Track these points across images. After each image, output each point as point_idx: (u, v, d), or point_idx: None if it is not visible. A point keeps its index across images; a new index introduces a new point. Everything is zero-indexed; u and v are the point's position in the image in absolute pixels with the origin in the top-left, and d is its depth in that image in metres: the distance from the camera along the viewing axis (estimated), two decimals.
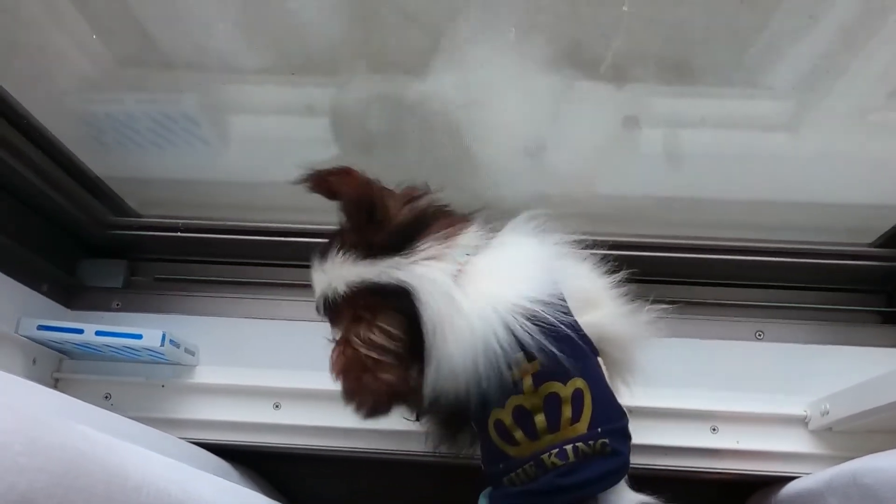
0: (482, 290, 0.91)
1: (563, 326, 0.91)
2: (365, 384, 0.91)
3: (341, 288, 0.96)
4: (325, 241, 1.01)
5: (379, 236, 0.96)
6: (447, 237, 0.95)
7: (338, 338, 0.96)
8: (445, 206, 1.02)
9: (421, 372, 0.93)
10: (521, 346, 0.89)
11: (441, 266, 0.92)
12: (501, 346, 0.89)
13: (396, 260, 0.93)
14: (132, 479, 0.65)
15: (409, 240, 0.95)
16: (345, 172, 1.00)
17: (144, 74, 1.25)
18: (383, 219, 0.97)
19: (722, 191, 1.33)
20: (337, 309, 0.97)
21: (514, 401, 0.92)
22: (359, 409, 0.93)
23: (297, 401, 1.28)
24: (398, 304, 0.92)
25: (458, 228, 0.97)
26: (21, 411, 0.52)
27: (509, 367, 0.90)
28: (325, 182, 1.00)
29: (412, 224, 0.97)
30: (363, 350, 0.91)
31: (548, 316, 0.90)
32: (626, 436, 0.97)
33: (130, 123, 1.30)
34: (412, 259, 0.93)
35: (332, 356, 0.95)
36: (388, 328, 0.92)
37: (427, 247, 0.94)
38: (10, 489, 0.48)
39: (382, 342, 0.91)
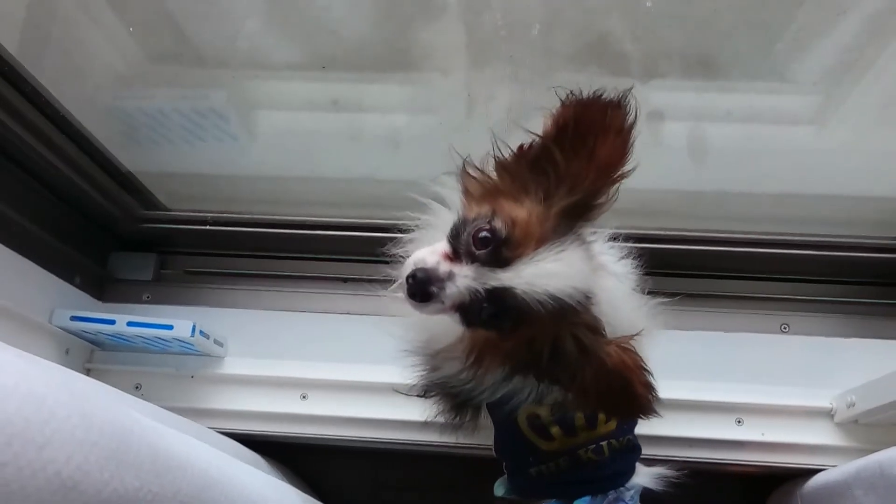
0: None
1: None
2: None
3: (581, 286, 0.80)
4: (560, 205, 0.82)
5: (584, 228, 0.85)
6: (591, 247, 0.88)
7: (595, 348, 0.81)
8: None
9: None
10: None
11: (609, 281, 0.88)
12: None
13: (591, 261, 0.85)
14: (176, 459, 0.67)
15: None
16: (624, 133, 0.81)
17: (175, 71, 1.28)
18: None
19: (747, 184, 1.33)
20: (554, 313, 0.80)
21: (555, 397, 0.93)
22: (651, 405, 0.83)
23: (324, 392, 1.29)
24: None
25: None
26: (74, 389, 0.54)
27: None
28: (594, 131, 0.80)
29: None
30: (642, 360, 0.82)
31: None
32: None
33: (161, 119, 1.32)
34: (597, 265, 0.86)
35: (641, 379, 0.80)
36: None
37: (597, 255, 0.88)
38: (68, 460, 0.50)
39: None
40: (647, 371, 0.80)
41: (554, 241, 0.80)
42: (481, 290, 0.79)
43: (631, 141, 0.80)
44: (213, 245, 1.47)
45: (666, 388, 1.17)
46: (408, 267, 0.82)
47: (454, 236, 0.83)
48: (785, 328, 1.34)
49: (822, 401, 1.22)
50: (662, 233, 1.34)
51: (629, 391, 0.79)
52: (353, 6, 1.17)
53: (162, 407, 1.05)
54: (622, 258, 0.95)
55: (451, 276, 0.80)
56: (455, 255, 0.82)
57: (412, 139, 1.34)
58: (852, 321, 1.34)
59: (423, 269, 0.81)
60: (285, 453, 1.38)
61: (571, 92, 0.80)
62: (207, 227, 1.42)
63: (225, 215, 1.43)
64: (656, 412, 0.82)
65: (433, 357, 0.96)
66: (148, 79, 1.28)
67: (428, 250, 0.83)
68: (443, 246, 0.83)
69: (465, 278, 0.80)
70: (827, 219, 1.37)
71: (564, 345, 0.81)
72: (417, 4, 1.15)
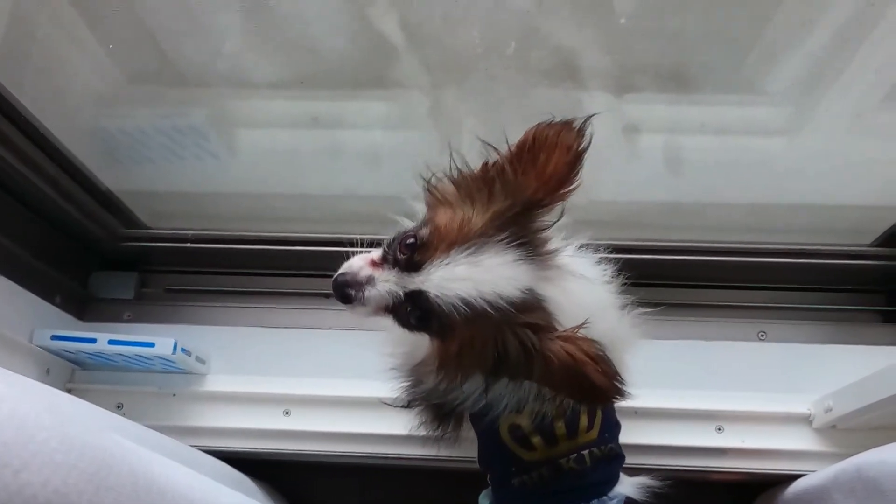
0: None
1: None
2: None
3: (506, 290, 0.81)
4: (466, 221, 0.83)
5: (537, 236, 0.86)
6: (550, 256, 0.88)
7: (534, 340, 0.82)
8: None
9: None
10: None
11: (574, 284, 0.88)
12: None
13: (542, 265, 0.85)
14: (157, 484, 0.67)
15: (529, 242, 0.85)
16: (566, 147, 0.82)
17: (155, 91, 1.28)
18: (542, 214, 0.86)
19: (722, 194, 1.35)
20: (481, 316, 0.81)
21: (540, 407, 0.94)
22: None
23: (307, 407, 1.29)
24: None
25: (550, 245, 0.90)
26: (57, 410, 0.54)
27: None
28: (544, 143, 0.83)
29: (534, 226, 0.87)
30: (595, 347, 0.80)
31: None
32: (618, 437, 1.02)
33: (141, 138, 1.32)
34: (555, 270, 0.86)
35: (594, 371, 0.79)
36: None
37: (546, 264, 0.87)
38: (45, 484, 0.50)
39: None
40: (601, 357, 0.79)
41: (474, 244, 0.81)
42: (400, 294, 0.83)
43: (580, 161, 0.82)
44: (195, 263, 1.47)
45: (646, 397, 1.22)
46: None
47: (389, 244, 0.87)
48: (762, 335, 1.35)
49: (801, 407, 1.24)
50: (640, 243, 1.36)
51: (586, 381, 0.79)
52: (332, 25, 1.18)
53: (144, 426, 1.05)
54: (597, 264, 0.96)
55: (370, 280, 0.85)
56: (383, 261, 0.86)
57: (392, 155, 1.35)
58: (828, 328, 1.36)
59: (345, 273, 0.86)
60: (270, 471, 1.38)
61: (553, 116, 0.83)
62: (188, 244, 1.42)
63: (206, 233, 1.43)
64: (623, 395, 0.81)
65: (415, 370, 0.97)
66: (128, 98, 1.29)
67: (360, 257, 0.88)
68: (376, 253, 0.87)
69: (385, 282, 0.84)
70: (802, 227, 1.39)
71: (507, 346, 0.82)
72: (395, 22, 1.16)
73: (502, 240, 0.83)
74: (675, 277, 1.40)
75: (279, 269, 1.46)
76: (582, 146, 0.82)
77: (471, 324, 0.82)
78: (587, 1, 1.13)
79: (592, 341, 0.80)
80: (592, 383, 0.79)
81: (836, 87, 1.17)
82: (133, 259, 1.48)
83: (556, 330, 0.83)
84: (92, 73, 1.23)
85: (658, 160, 1.32)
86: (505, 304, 0.81)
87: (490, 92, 1.24)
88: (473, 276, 0.81)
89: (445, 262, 0.81)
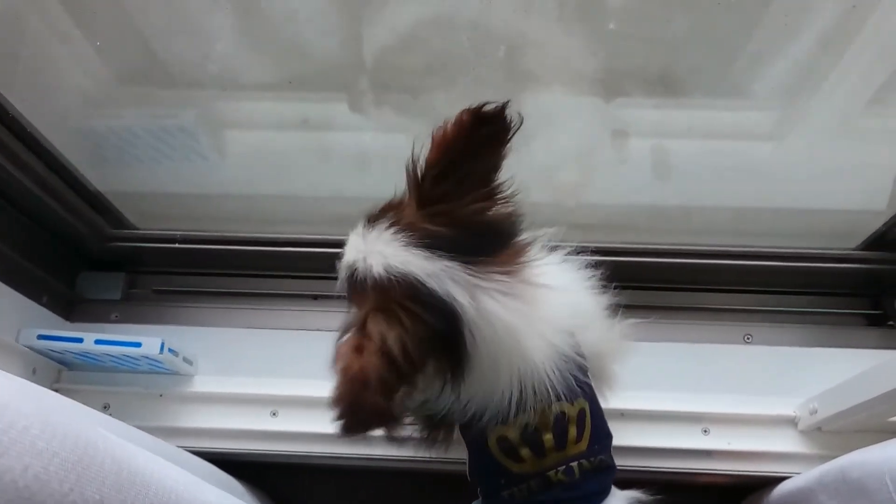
0: (541, 331, 0.87)
1: (584, 361, 0.93)
2: (362, 401, 0.80)
3: (377, 268, 0.83)
4: (385, 204, 0.89)
5: (443, 225, 0.85)
6: (517, 267, 0.87)
7: (354, 323, 0.83)
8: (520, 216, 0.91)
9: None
10: (560, 385, 0.89)
11: (510, 304, 0.83)
12: (548, 387, 0.88)
13: (458, 269, 0.82)
14: (141, 475, 0.66)
15: (477, 249, 0.84)
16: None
17: (144, 91, 1.28)
18: (456, 200, 0.85)
19: (709, 198, 1.36)
20: (361, 289, 0.84)
21: (522, 419, 0.92)
22: (341, 420, 0.82)
23: (294, 408, 1.29)
24: (437, 322, 0.81)
25: (524, 255, 0.89)
26: (39, 400, 0.54)
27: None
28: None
29: (486, 230, 0.87)
30: (376, 360, 0.79)
31: (578, 357, 0.92)
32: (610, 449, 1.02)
33: (130, 138, 1.32)
34: (480, 282, 0.82)
35: (342, 348, 0.82)
36: (412, 346, 0.80)
37: (500, 276, 0.84)
38: (25, 470, 0.50)
39: (398, 356, 0.79)
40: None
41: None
42: None
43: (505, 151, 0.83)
44: (183, 263, 1.47)
45: (632, 399, 1.22)
46: None
47: None
48: (748, 338, 1.36)
49: (786, 409, 1.24)
50: (627, 246, 1.37)
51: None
52: (324, 28, 1.19)
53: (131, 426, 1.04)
54: (581, 273, 0.97)
55: None
56: None
57: (381, 157, 1.36)
58: (814, 331, 1.37)
59: None
60: (257, 472, 1.37)
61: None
62: (177, 245, 1.42)
63: (194, 234, 1.42)
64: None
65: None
66: (117, 98, 1.29)
67: None
68: None
69: None
70: (788, 231, 1.40)
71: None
72: (385, 28, 1.17)
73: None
74: (662, 280, 1.40)
75: (268, 270, 1.46)
76: (508, 134, 0.83)
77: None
78: (576, 6, 1.15)
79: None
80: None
81: (822, 91, 1.19)
82: (121, 259, 1.47)
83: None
84: (81, 72, 1.23)
85: (646, 164, 1.32)
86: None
87: (479, 96, 1.24)
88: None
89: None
